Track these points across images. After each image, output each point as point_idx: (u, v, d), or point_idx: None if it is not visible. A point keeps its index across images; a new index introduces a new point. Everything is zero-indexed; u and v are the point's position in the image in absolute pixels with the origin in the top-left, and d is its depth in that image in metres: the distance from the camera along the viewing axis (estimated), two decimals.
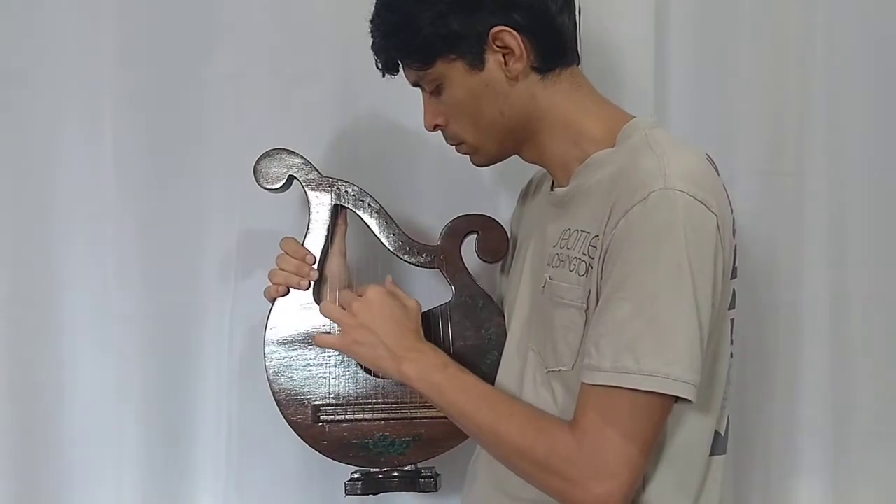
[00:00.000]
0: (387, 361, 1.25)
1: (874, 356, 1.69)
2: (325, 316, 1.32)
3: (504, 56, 1.19)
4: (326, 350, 1.35)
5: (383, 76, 1.27)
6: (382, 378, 1.35)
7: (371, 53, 1.26)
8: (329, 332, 1.34)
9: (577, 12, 1.25)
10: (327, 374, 1.36)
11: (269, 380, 1.36)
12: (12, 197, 1.59)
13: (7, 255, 1.59)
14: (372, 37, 1.25)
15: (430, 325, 1.36)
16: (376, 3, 1.24)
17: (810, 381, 1.68)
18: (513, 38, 1.17)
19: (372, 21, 1.25)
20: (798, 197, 1.66)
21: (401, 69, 1.26)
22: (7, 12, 1.57)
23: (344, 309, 1.30)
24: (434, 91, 1.24)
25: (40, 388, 1.60)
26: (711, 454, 1.20)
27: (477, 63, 1.19)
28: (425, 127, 1.29)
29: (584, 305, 1.14)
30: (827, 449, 1.69)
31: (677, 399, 1.07)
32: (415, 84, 1.27)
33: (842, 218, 1.66)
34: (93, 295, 1.61)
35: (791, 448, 1.70)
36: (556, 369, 1.18)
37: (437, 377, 1.22)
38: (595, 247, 1.13)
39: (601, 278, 1.11)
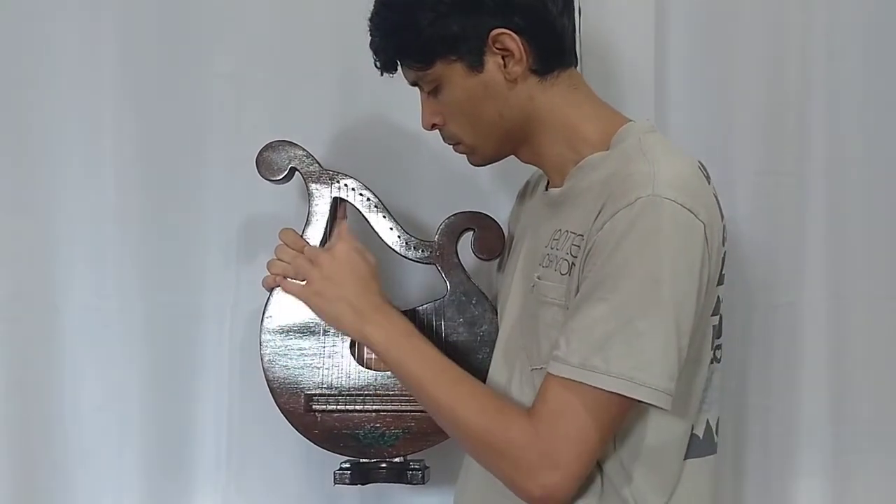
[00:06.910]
0: (348, 318, 1.25)
1: (873, 356, 1.68)
2: (293, 268, 1.31)
3: (503, 58, 1.19)
4: (321, 340, 1.37)
5: (381, 75, 1.27)
6: (375, 370, 1.37)
7: (370, 51, 1.26)
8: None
9: (577, 13, 1.26)
10: (321, 365, 1.37)
11: (263, 368, 1.38)
12: (12, 197, 1.60)
13: (7, 255, 1.59)
14: (371, 35, 1.25)
15: (424, 320, 1.38)
16: (376, 2, 1.24)
17: (810, 381, 1.68)
18: (512, 41, 1.18)
19: (371, 20, 1.24)
20: (798, 197, 1.66)
21: (399, 68, 1.26)
22: (7, 12, 1.57)
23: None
24: (432, 91, 1.25)
25: (40, 388, 1.60)
26: (687, 457, 1.20)
27: (476, 65, 1.20)
28: (423, 126, 1.29)
29: (567, 304, 1.15)
30: (827, 449, 1.69)
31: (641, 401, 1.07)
32: (413, 83, 1.27)
33: (841, 218, 1.66)
34: (92, 294, 1.60)
35: (791, 448, 1.69)
36: (539, 367, 1.18)
37: (400, 343, 1.23)
38: (578, 246, 1.14)
39: (581, 273, 1.12)
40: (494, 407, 1.16)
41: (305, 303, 1.30)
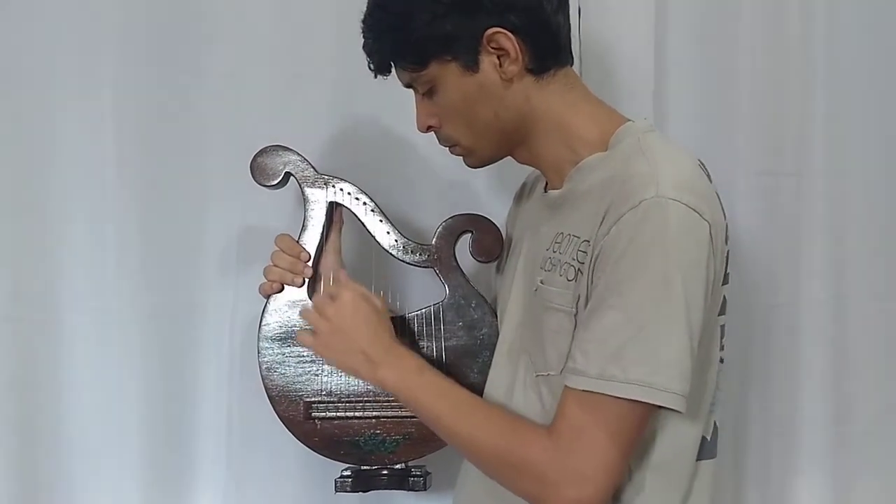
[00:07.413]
0: (363, 367, 1.26)
1: (873, 356, 1.69)
2: (304, 319, 1.33)
3: (499, 58, 1.18)
4: None
5: (375, 77, 1.25)
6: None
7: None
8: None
9: (576, 12, 1.25)
10: (319, 372, 1.37)
11: (262, 376, 1.37)
12: (12, 197, 1.59)
13: (7, 254, 1.59)
14: (364, 37, 1.23)
15: (423, 324, 1.37)
16: (369, 3, 1.23)
17: (810, 381, 1.68)
18: (508, 40, 1.16)
19: (364, 21, 1.23)
20: (798, 197, 1.66)
21: (393, 70, 1.25)
22: (7, 11, 1.57)
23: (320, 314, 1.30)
24: (427, 93, 1.23)
25: (40, 388, 1.60)
26: (698, 459, 1.19)
27: (472, 65, 1.18)
28: (418, 129, 1.28)
29: (573, 310, 1.14)
30: (827, 449, 1.70)
31: (661, 406, 1.06)
32: (407, 85, 1.26)
33: (841, 219, 1.66)
34: (93, 295, 1.60)
35: (791, 448, 1.70)
36: (545, 373, 1.18)
37: (414, 381, 1.23)
38: (585, 252, 1.13)
39: (591, 282, 1.11)
40: (512, 428, 1.16)
41: (320, 356, 1.33)
